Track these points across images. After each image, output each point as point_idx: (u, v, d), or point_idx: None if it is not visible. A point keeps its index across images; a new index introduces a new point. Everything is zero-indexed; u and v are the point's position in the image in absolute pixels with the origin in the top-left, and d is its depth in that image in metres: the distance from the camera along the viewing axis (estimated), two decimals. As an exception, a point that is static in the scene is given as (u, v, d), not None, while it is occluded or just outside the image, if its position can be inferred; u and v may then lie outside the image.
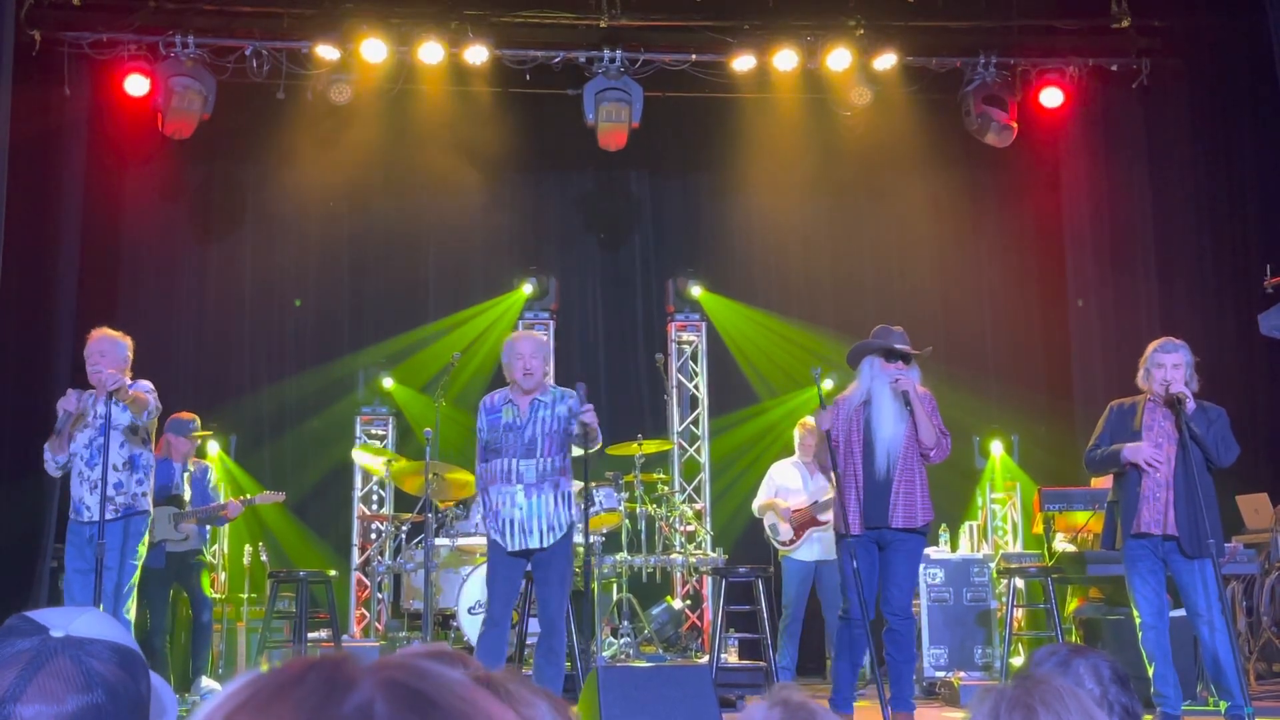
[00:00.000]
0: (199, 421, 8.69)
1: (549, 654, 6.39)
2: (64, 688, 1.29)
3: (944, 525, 9.51)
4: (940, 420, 6.56)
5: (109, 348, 6.69)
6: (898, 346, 6.52)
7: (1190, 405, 6.32)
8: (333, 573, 9.14)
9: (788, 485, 8.80)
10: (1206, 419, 6.41)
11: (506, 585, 6.46)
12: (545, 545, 6.40)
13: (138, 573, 6.71)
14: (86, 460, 6.67)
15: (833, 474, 6.52)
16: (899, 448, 6.45)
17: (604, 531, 9.11)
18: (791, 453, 9.00)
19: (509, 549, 6.41)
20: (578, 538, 8.93)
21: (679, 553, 9.60)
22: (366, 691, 0.82)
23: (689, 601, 10.45)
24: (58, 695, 1.28)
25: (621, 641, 9.01)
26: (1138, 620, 6.47)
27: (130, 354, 6.79)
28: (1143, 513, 6.43)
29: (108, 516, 6.49)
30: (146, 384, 6.79)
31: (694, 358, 11.46)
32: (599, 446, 6.71)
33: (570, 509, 6.51)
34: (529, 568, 6.58)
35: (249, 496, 8.88)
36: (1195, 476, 6.28)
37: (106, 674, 1.32)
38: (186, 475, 8.51)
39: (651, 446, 9.63)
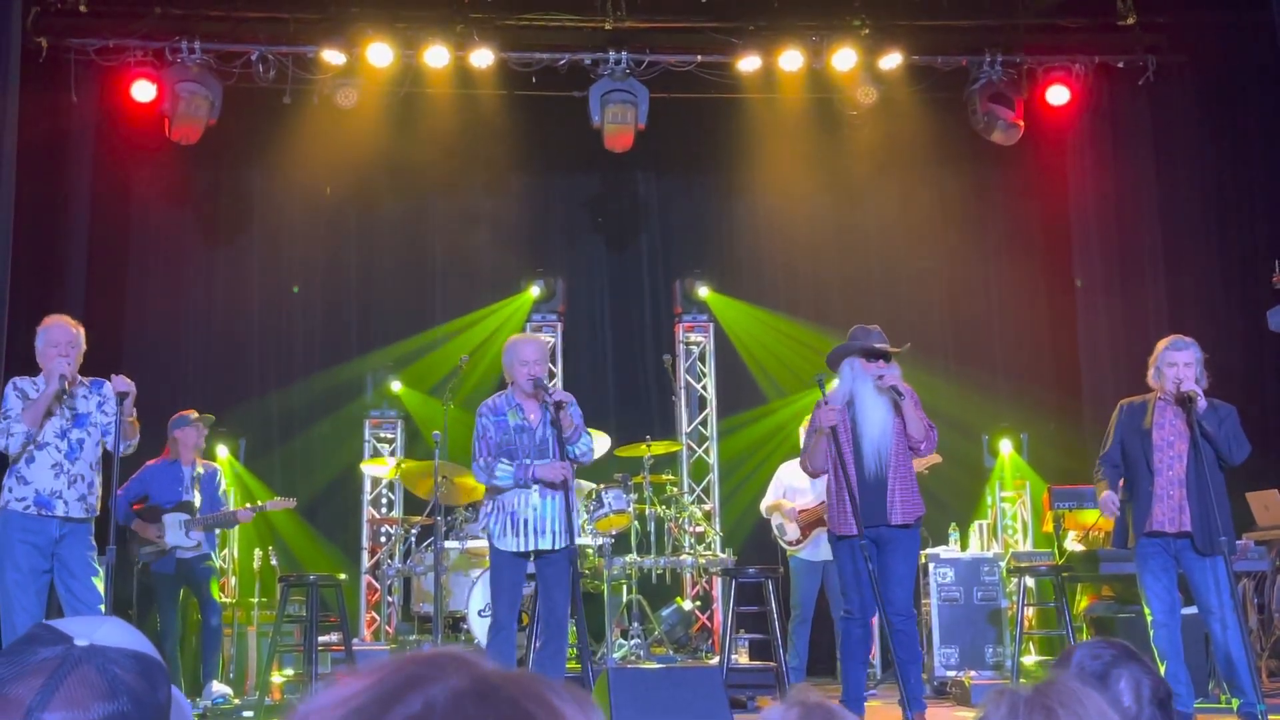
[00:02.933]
0: (195, 412, 8.69)
1: (555, 656, 6.40)
2: (90, 696, 1.29)
3: (954, 524, 9.51)
4: (924, 413, 6.57)
5: (78, 339, 6.41)
6: (877, 345, 6.53)
7: (1202, 404, 6.32)
8: (343, 576, 9.11)
9: (795, 485, 8.79)
10: (1217, 417, 6.41)
11: (512, 589, 6.47)
12: (556, 547, 6.41)
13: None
14: (66, 453, 6.36)
15: (842, 472, 6.48)
16: (888, 445, 6.45)
17: (613, 533, 9.11)
18: (799, 453, 8.98)
19: (518, 550, 6.40)
20: (583, 540, 8.99)
21: (688, 554, 9.60)
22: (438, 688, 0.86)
23: (699, 602, 10.44)
24: (84, 704, 1.29)
25: (632, 643, 9.01)
26: (1149, 618, 6.47)
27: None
28: (1156, 511, 6.44)
29: (80, 516, 6.34)
30: (130, 385, 6.41)
31: (702, 359, 11.46)
32: (586, 449, 6.60)
33: (575, 517, 6.52)
34: (530, 569, 6.57)
35: (260, 503, 8.89)
36: (1207, 474, 6.27)
37: (131, 682, 1.33)
38: (196, 479, 8.51)
39: (660, 448, 9.63)
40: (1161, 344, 6.60)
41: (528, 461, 6.36)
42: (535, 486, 6.38)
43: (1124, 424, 6.65)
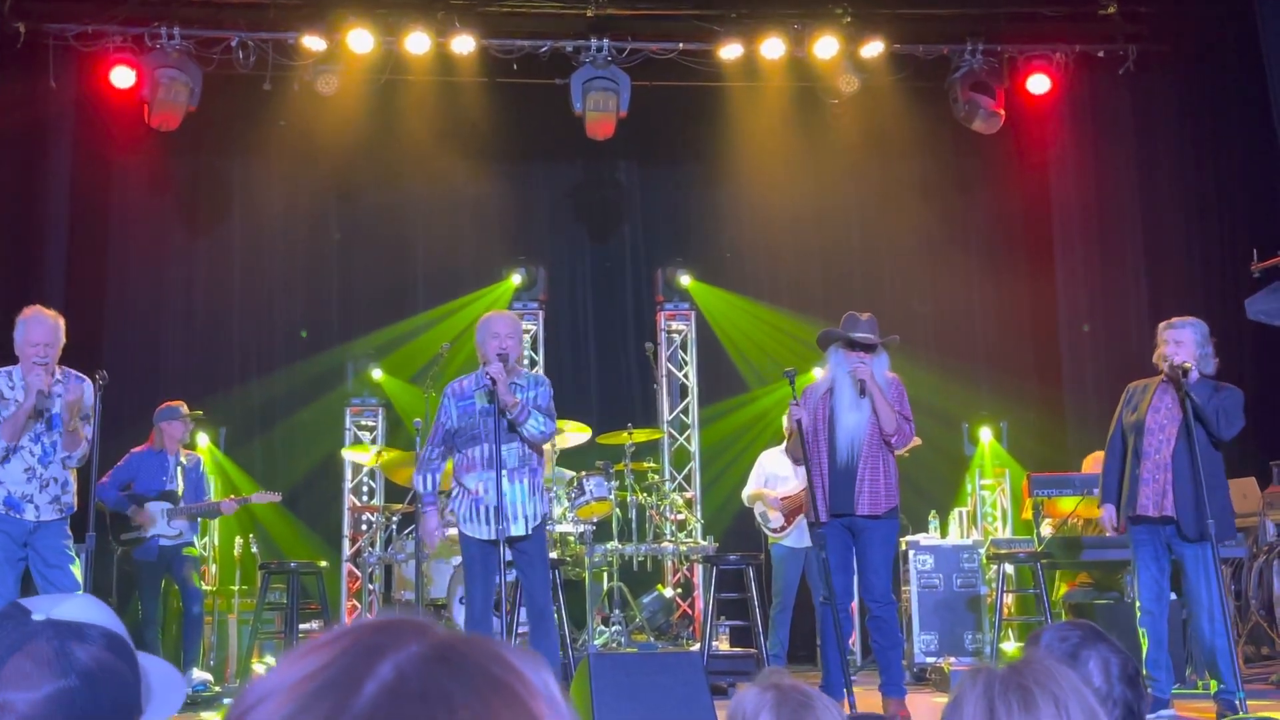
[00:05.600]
0: (185, 406, 8.66)
1: (544, 639, 6.38)
2: (38, 671, 1.28)
3: (933, 512, 9.55)
4: (907, 407, 6.55)
5: (55, 335, 6.31)
6: (857, 336, 6.50)
7: (1193, 375, 6.31)
8: (323, 564, 9.13)
9: (777, 472, 8.80)
10: (1217, 395, 6.40)
11: (485, 578, 6.42)
12: (527, 532, 6.37)
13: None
14: (39, 457, 6.30)
15: (813, 460, 6.51)
16: (862, 435, 6.45)
17: (594, 520, 9.12)
18: (782, 440, 9.01)
19: (487, 537, 6.31)
20: (565, 527, 9.00)
21: (670, 541, 9.62)
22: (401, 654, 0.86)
23: (680, 589, 10.46)
24: (32, 679, 1.27)
25: (613, 630, 9.02)
26: (1137, 603, 6.50)
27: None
28: (1140, 495, 6.45)
29: (53, 517, 6.30)
30: (89, 385, 6.42)
31: (683, 347, 11.45)
32: (535, 431, 6.37)
33: (544, 502, 6.50)
34: (509, 557, 6.54)
35: (246, 495, 8.87)
36: (1199, 458, 6.26)
37: (85, 659, 1.31)
38: (180, 468, 8.49)
39: (642, 435, 9.63)
40: (1162, 324, 6.63)
41: (428, 509, 6.53)
42: (504, 470, 6.28)
43: (1125, 407, 6.69)
